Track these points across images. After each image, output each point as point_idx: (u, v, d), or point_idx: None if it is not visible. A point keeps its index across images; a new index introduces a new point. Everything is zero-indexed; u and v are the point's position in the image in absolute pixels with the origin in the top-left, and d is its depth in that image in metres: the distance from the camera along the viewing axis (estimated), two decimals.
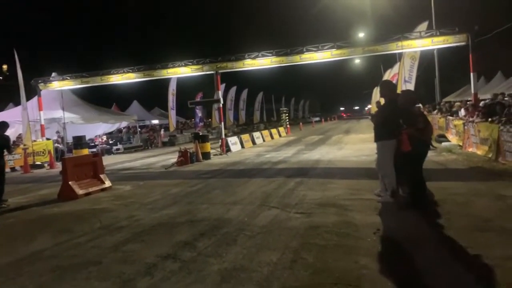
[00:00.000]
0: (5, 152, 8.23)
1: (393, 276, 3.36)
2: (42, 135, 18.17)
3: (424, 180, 5.53)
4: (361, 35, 30.62)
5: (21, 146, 15.83)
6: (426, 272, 3.40)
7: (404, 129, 5.38)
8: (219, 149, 16.69)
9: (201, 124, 31.33)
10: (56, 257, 4.46)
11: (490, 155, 9.24)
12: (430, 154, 10.91)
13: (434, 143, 13.46)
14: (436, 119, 17.60)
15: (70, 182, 8.15)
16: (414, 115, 5.59)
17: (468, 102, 15.40)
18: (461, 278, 3.24)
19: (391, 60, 27.99)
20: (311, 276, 3.43)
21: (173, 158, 14.56)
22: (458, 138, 12.71)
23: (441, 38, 13.99)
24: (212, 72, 17.00)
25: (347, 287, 3.19)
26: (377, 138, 5.95)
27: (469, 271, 3.36)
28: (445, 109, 17.03)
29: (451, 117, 14.56)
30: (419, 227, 4.70)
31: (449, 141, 13.58)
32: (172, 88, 26.20)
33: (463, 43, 13.63)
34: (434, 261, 3.61)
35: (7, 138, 8.27)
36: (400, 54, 17.71)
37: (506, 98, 14.30)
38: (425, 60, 22.74)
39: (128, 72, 18.15)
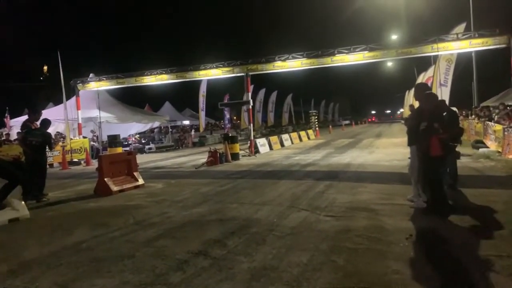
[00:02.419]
0: (47, 149, 8.66)
1: (427, 283, 3.28)
2: (79, 133, 18.96)
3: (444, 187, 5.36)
4: (394, 37, 29.94)
5: (60, 143, 16.59)
6: (461, 280, 3.30)
7: (438, 133, 5.20)
8: (247, 150, 16.80)
9: (229, 125, 31.66)
10: (93, 249, 4.65)
11: None
12: (466, 160, 10.61)
13: (471, 149, 12.98)
14: (473, 124, 16.95)
15: (105, 179, 8.46)
16: (452, 117, 5.46)
17: (508, 107, 14.73)
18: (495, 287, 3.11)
19: (425, 62, 27.23)
20: (341, 279, 3.41)
21: (203, 158, 14.79)
22: (497, 144, 12.18)
23: (479, 40, 13.51)
24: (242, 74, 17.17)
25: None
26: (411, 142, 5.81)
27: (507, 280, 3.23)
28: (483, 114, 16.36)
29: (490, 122, 13.98)
30: (455, 234, 4.55)
31: (487, 147, 13.03)
32: (203, 89, 26.67)
33: (503, 45, 13.08)
34: (469, 269, 3.50)
35: (49, 135, 8.69)
36: (435, 57, 17.18)
37: None
38: (462, 63, 21.93)
39: (161, 73, 18.65)
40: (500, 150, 11.57)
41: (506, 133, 11.07)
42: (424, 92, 5.77)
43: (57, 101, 21.44)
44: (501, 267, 3.48)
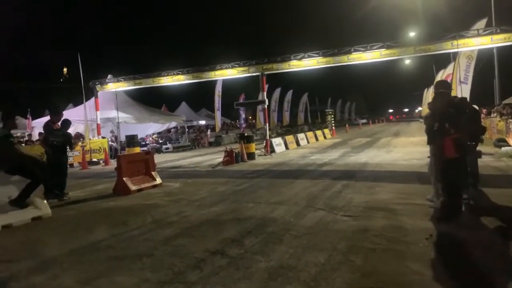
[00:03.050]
0: (67, 149, 8.86)
1: (447, 284, 3.22)
2: (98, 133, 19.32)
3: (460, 190, 5.15)
4: (412, 34, 29.42)
5: (80, 143, 16.94)
6: (483, 282, 3.22)
7: (451, 134, 4.92)
8: (263, 150, 16.80)
9: (244, 125, 31.68)
10: (113, 247, 4.74)
11: None
12: (488, 159, 10.35)
13: (492, 148, 12.65)
14: (495, 122, 16.51)
15: (124, 178, 8.61)
16: (474, 115, 5.21)
17: None
18: None
19: (443, 60, 26.63)
20: (359, 279, 3.38)
21: (219, 157, 14.87)
22: None
23: (501, 36, 13.13)
24: (257, 73, 17.17)
25: None
26: (430, 141, 5.70)
27: None
28: (505, 111, 15.93)
29: None
30: (476, 234, 4.45)
31: (510, 145, 12.67)
32: (218, 89, 26.77)
33: None
34: (492, 271, 3.41)
35: (70, 135, 8.89)
36: (455, 54, 16.79)
37: None
38: (483, 59, 21.39)
39: (178, 74, 18.82)
40: None
41: None
42: (436, 91, 5.64)
43: (77, 102, 21.89)
44: None
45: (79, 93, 17.96)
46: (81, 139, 17.50)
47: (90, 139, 17.81)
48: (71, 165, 16.47)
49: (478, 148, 7.91)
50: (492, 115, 18.11)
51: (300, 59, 16.19)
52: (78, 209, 7.29)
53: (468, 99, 10.88)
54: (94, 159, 17.21)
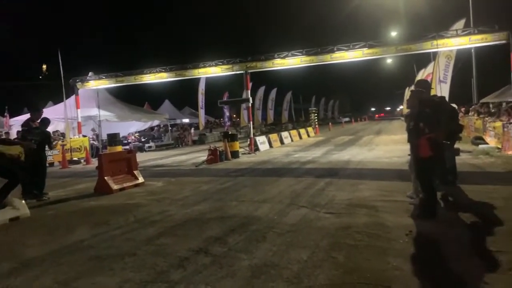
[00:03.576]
0: (46, 148, 8.66)
1: (426, 278, 3.30)
2: (79, 132, 18.97)
3: (435, 188, 5.28)
4: (393, 34, 29.90)
5: (60, 142, 16.59)
6: (459, 276, 3.32)
7: (426, 133, 5.00)
8: (247, 148, 16.81)
9: (228, 123, 31.57)
10: (94, 247, 4.66)
11: None
12: (466, 156, 10.63)
13: (470, 146, 13.00)
14: (472, 120, 16.96)
15: (105, 177, 8.47)
16: (452, 114, 5.34)
17: (507, 103, 14.74)
18: (497, 283, 3.12)
19: (424, 59, 27.17)
20: (342, 275, 3.42)
21: (203, 156, 14.80)
22: (497, 140, 12.19)
23: (479, 37, 13.49)
24: (241, 71, 17.16)
25: None
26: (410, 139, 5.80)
27: (506, 276, 3.24)
28: (483, 110, 16.38)
29: (489, 119, 13.99)
30: (454, 230, 4.57)
31: (486, 143, 13.04)
32: (201, 87, 26.63)
33: (503, 42, 13.06)
34: (468, 265, 3.51)
35: (49, 134, 8.69)
36: (435, 54, 17.16)
37: None
38: (461, 59, 21.92)
39: (160, 71, 18.63)
40: (499, 146, 11.59)
41: (505, 129, 11.08)
42: (425, 88, 5.77)
43: (57, 100, 21.40)
44: (500, 262, 3.49)
45: (59, 90, 17.58)
46: (61, 138, 17.15)
47: (71, 138, 17.47)
48: (51, 164, 16.12)
49: (457, 146, 8.12)
50: (470, 114, 18.60)
51: (284, 57, 16.26)
52: (58, 209, 7.14)
53: (447, 98, 11.12)
54: (75, 158, 16.89)
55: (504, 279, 3.19)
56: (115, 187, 8.47)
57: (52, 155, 16.10)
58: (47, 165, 10.00)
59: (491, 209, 5.28)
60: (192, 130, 29.32)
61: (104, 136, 19.39)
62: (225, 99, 26.84)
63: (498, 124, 12.17)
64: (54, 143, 11.98)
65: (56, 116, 17.87)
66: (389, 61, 46.92)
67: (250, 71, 17.13)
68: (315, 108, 43.21)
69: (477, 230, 4.54)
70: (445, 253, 3.85)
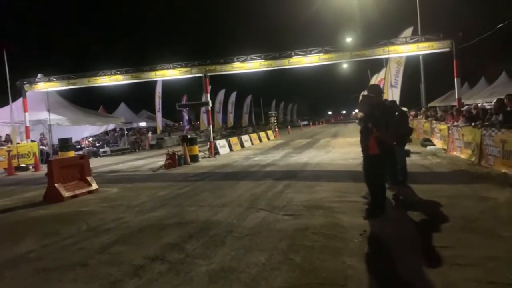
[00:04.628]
0: None
1: (379, 276, 3.44)
2: (27, 137, 17.89)
3: (384, 185, 5.56)
4: (348, 40, 31.03)
5: (5, 148, 15.56)
6: (409, 272, 3.48)
7: (373, 132, 5.32)
8: (207, 152, 16.66)
9: (188, 127, 31.05)
10: (42, 259, 4.41)
11: (473, 159, 9.46)
12: (416, 157, 11.20)
13: (420, 147, 13.72)
14: (421, 123, 17.92)
15: (56, 185, 8.05)
16: (402, 117, 5.61)
17: (453, 107, 15.74)
18: (442, 277, 3.31)
19: (378, 65, 28.42)
20: (298, 277, 3.48)
21: (161, 161, 14.48)
22: (442, 142, 12.97)
23: (426, 44, 14.29)
24: (200, 74, 17.01)
25: (333, 287, 3.24)
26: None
27: (449, 270, 3.45)
28: (430, 113, 17.37)
29: (436, 121, 14.85)
30: (405, 228, 4.80)
31: (434, 145, 13.84)
32: (158, 90, 26.06)
33: (447, 49, 13.95)
34: (417, 261, 3.70)
35: None
36: (387, 60, 18.00)
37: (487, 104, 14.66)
38: (411, 65, 23.13)
39: (115, 74, 18.02)
40: (445, 147, 12.33)
41: (450, 131, 11.82)
42: (377, 93, 6.03)
43: (2, 103, 20.06)
44: (445, 257, 3.71)
45: (5, 93, 16.50)
46: (8, 143, 16.10)
47: (18, 143, 16.44)
48: None
49: (407, 147, 8.55)
50: (419, 117, 19.65)
51: (243, 61, 16.31)
52: (3, 219, 6.69)
53: (398, 102, 11.66)
54: (23, 165, 15.89)
55: (448, 273, 3.38)
56: (66, 194, 8.06)
57: None
58: None
59: (438, 207, 5.60)
60: (150, 134, 28.61)
61: (55, 141, 18.41)
62: (184, 102, 26.44)
63: (444, 126, 12.95)
64: None
65: (2, 120, 16.77)
66: (344, 66, 48.60)
67: (209, 74, 17.02)
68: (274, 112, 43.65)
69: (425, 227, 4.79)
70: (396, 251, 4.03)
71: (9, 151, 15.18)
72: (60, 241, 5.11)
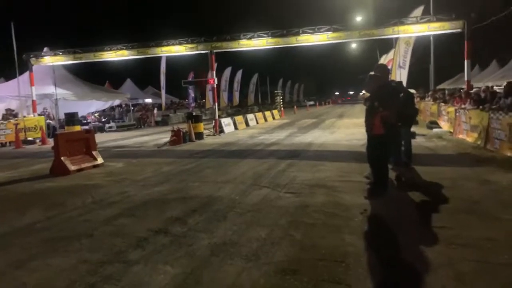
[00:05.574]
0: None
1: (377, 253, 3.49)
2: (34, 110, 18.00)
3: (387, 165, 5.57)
4: (358, 18, 30.33)
5: (12, 121, 15.70)
6: (407, 250, 3.53)
7: (379, 112, 5.28)
8: (212, 130, 16.70)
9: (193, 104, 31.05)
10: (48, 229, 4.52)
11: (479, 142, 9.39)
12: (421, 139, 11.14)
13: (425, 130, 13.63)
14: (428, 105, 17.73)
15: (62, 158, 8.15)
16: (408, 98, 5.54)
17: (461, 90, 15.52)
18: (440, 256, 3.36)
19: (387, 45, 27.86)
20: (298, 252, 3.54)
21: (166, 137, 14.55)
22: (449, 125, 12.86)
23: (437, 24, 13.95)
24: (206, 51, 16.83)
25: (332, 263, 3.30)
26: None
27: (446, 249, 3.49)
28: (438, 96, 17.15)
29: (443, 104, 14.69)
30: (405, 208, 4.83)
31: (440, 127, 13.73)
32: (163, 67, 25.93)
33: (459, 30, 13.61)
34: (415, 240, 3.74)
35: None
36: (397, 39, 17.65)
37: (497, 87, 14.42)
38: (421, 46, 22.67)
39: (121, 49, 17.88)
40: (451, 130, 12.23)
41: (457, 114, 11.70)
42: (384, 73, 5.97)
43: (9, 76, 20.08)
44: (443, 237, 3.74)
45: (12, 66, 16.52)
46: (12, 116, 16.23)
47: (25, 117, 16.57)
48: (3, 144, 15.31)
49: (413, 129, 8.49)
50: (426, 99, 19.42)
51: (249, 38, 16.08)
52: (10, 191, 6.83)
53: (405, 83, 11.52)
54: (30, 138, 16.08)
55: (447, 253, 3.42)
56: (72, 167, 8.18)
57: (4, 135, 15.25)
58: None
59: (440, 189, 5.61)
60: (155, 111, 28.64)
61: (61, 116, 18.52)
62: (190, 79, 26.32)
63: (451, 109, 12.81)
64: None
65: (9, 93, 16.85)
66: (353, 45, 47.66)
67: (215, 51, 16.83)
68: (281, 91, 43.37)
69: (425, 208, 4.82)
70: (395, 230, 4.08)
71: (16, 124, 15.32)
72: (65, 212, 5.22)
